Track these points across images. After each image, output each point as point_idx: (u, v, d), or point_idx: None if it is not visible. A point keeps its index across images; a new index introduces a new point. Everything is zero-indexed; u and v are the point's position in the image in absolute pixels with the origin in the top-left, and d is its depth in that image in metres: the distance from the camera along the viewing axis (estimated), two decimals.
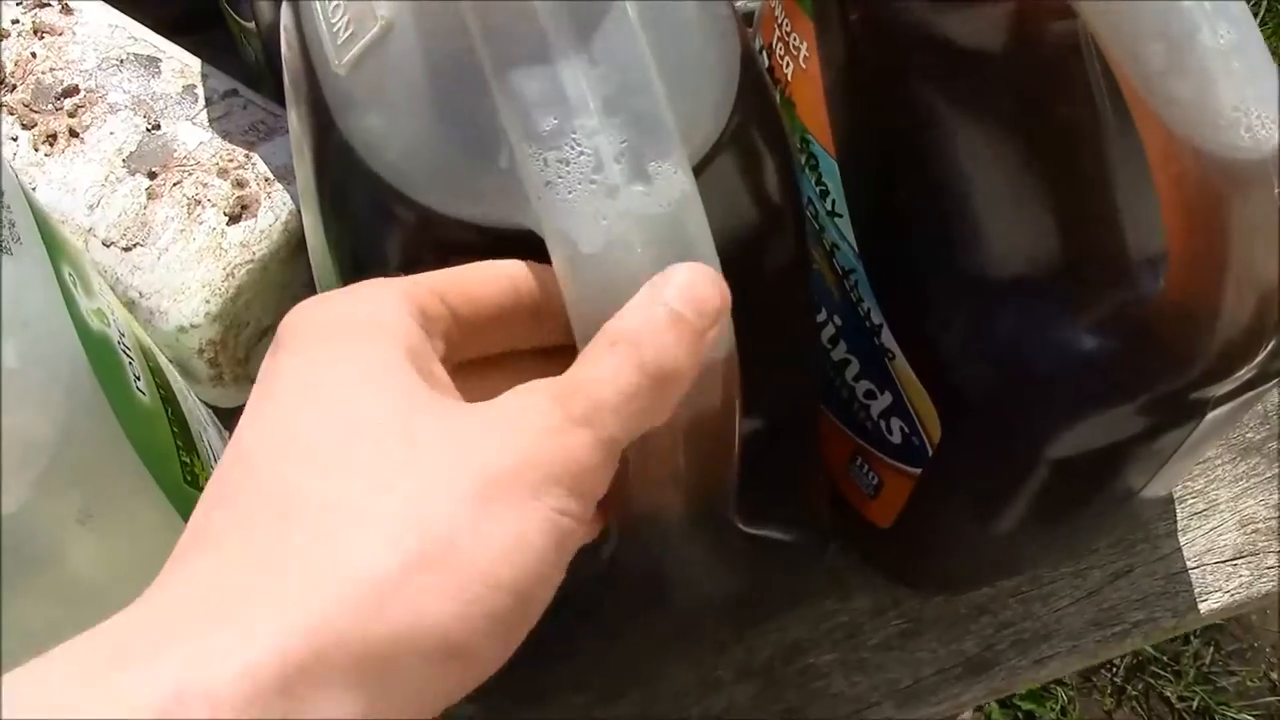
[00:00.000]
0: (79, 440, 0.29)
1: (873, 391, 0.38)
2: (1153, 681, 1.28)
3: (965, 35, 0.32)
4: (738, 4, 0.58)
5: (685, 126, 0.29)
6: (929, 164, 0.33)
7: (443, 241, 0.29)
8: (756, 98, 0.32)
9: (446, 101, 0.29)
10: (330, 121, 0.30)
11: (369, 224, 0.31)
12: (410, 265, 0.30)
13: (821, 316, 0.39)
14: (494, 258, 0.29)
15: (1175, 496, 0.48)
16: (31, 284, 0.29)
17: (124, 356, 0.32)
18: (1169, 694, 1.27)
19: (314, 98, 0.31)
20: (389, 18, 0.29)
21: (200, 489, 0.35)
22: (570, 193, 0.26)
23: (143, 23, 0.48)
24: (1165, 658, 1.28)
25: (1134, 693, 1.27)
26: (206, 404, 0.45)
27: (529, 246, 0.27)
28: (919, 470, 0.38)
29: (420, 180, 0.29)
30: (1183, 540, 0.47)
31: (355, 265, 0.32)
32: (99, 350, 0.30)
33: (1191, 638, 1.29)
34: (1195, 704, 1.26)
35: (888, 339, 0.36)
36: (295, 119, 0.33)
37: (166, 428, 0.33)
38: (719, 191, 0.31)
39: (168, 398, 0.34)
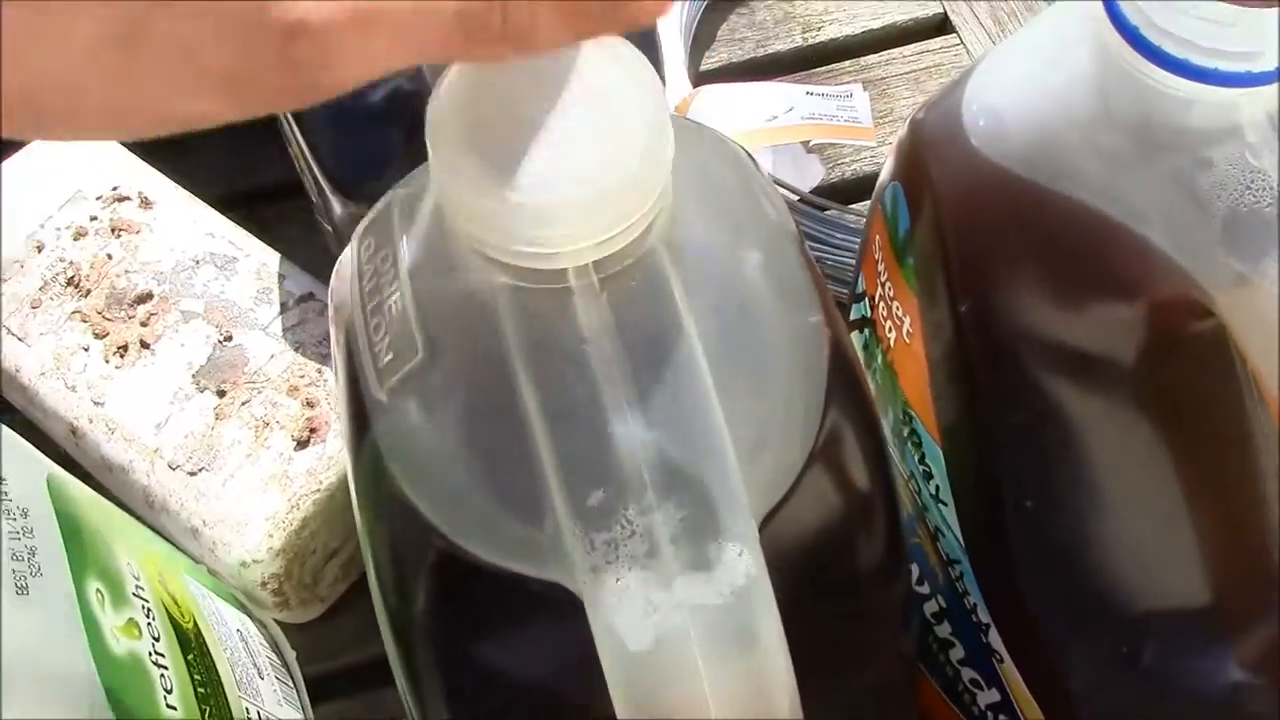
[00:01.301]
0: None
1: (979, 682, 0.34)
2: None
3: (1091, 339, 0.28)
4: (849, 166, 0.54)
5: (764, 469, 0.26)
6: (1051, 476, 0.29)
7: (478, 584, 0.26)
8: (847, 400, 0.28)
9: (489, 450, 0.26)
10: (369, 432, 0.28)
11: (404, 544, 0.28)
12: (444, 598, 0.28)
13: (924, 589, 0.36)
14: (538, 611, 0.26)
15: None
16: (47, 626, 0.27)
17: (154, 669, 0.30)
18: None
19: (356, 397, 0.28)
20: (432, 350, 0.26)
21: None
22: (618, 580, 0.23)
23: (231, 194, 0.47)
24: None
25: None
26: (277, 622, 0.43)
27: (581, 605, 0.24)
28: None
29: (457, 524, 0.26)
30: None
31: (393, 565, 0.29)
32: (123, 675, 0.28)
33: None
34: None
35: (995, 641, 0.32)
36: (340, 374, 0.30)
37: None
38: (806, 505, 0.27)
39: (207, 694, 0.32)
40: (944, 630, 0.35)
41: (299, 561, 0.41)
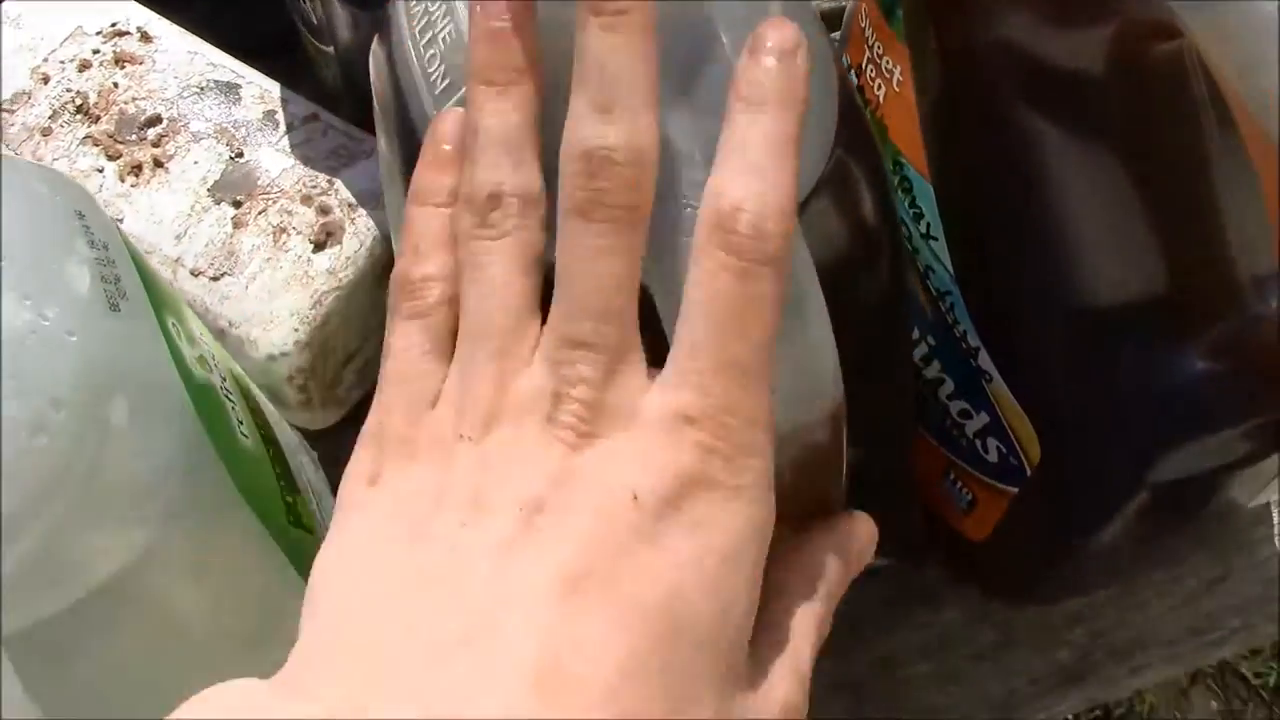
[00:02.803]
0: (191, 493, 0.29)
1: (968, 411, 0.38)
2: (1228, 658, 1.26)
3: (1067, 59, 0.31)
4: (821, 3, 0.57)
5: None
6: (1030, 191, 0.32)
7: (550, 282, 0.29)
8: (855, 132, 0.31)
9: (549, 151, 0.28)
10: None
11: None
12: None
13: (914, 335, 0.39)
14: None
15: (1272, 502, 0.47)
16: (139, 340, 0.29)
17: (226, 401, 0.32)
18: (1245, 670, 1.26)
19: (407, 136, 0.31)
20: None
21: (304, 528, 0.35)
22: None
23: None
24: None
25: (1209, 670, 1.26)
26: (295, 428, 0.46)
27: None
28: (1015, 489, 0.38)
29: None
30: (1279, 544, 0.47)
31: None
32: (203, 398, 0.31)
33: None
34: (1272, 680, 1.24)
35: (985, 361, 0.36)
36: (386, 147, 0.33)
37: (270, 469, 0.34)
38: (819, 228, 0.30)
39: (269, 438, 0.35)
40: (933, 370, 0.39)
41: (322, 358, 0.43)
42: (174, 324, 0.31)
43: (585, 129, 0.24)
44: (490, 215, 0.25)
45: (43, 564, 0.27)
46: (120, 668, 0.30)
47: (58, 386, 0.26)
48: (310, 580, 0.25)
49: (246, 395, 0.35)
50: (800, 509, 0.32)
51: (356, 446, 0.26)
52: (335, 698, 0.21)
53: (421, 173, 0.27)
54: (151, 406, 0.29)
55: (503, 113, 0.25)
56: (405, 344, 0.26)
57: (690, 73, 0.27)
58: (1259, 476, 0.36)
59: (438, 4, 0.30)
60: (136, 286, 0.30)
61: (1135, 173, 0.33)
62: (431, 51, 0.30)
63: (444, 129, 0.27)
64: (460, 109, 0.27)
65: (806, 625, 0.27)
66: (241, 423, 0.33)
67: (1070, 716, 1.10)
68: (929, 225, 0.36)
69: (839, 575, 0.29)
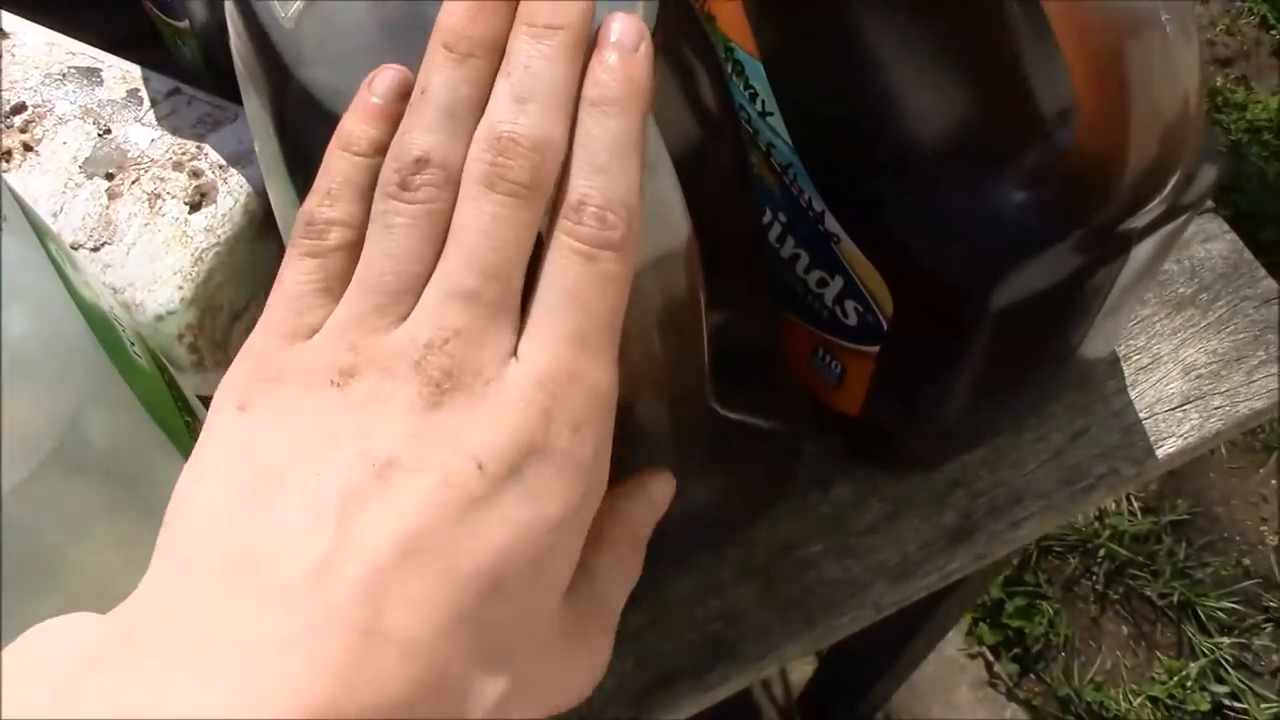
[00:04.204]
0: (97, 405, 0.31)
1: (824, 279, 0.41)
2: (1132, 583, 1.31)
3: None
4: None
5: None
6: (845, 50, 0.35)
7: None
8: (692, 32, 0.34)
9: (395, 41, 0.30)
10: (289, 75, 0.32)
11: None
12: None
13: (767, 218, 0.42)
14: None
15: (1121, 356, 0.51)
16: (27, 257, 0.30)
17: (115, 324, 0.34)
18: (1149, 593, 1.31)
19: (269, 60, 0.32)
20: None
21: None
22: None
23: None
24: (1141, 558, 1.32)
25: (1115, 596, 1.31)
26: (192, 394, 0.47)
27: None
28: (877, 348, 0.41)
29: None
30: (1133, 394, 0.50)
31: None
32: (95, 318, 0.32)
33: (1164, 536, 1.33)
34: (1175, 599, 1.30)
35: (831, 224, 0.38)
36: (254, 97, 0.34)
37: (165, 389, 0.35)
38: (665, 115, 0.33)
39: (161, 365, 0.36)
40: (789, 247, 0.42)
41: (210, 315, 0.45)
42: (56, 250, 0.32)
43: (501, 112, 0.26)
44: (412, 179, 0.26)
45: None
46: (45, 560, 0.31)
47: None
48: (169, 506, 0.25)
49: (136, 332, 0.36)
50: (675, 387, 0.34)
51: (236, 358, 0.27)
52: (157, 654, 0.22)
53: (347, 119, 0.28)
54: (47, 316, 0.30)
55: (455, 84, 0.26)
56: (297, 276, 0.27)
57: None
58: (1093, 298, 0.39)
59: None
60: (17, 213, 0.31)
61: (941, 26, 0.36)
62: None
63: (378, 82, 0.27)
64: (396, 68, 0.28)
65: (622, 575, 0.30)
66: (133, 344, 0.34)
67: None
68: (764, 102, 0.38)
69: (649, 524, 0.32)
